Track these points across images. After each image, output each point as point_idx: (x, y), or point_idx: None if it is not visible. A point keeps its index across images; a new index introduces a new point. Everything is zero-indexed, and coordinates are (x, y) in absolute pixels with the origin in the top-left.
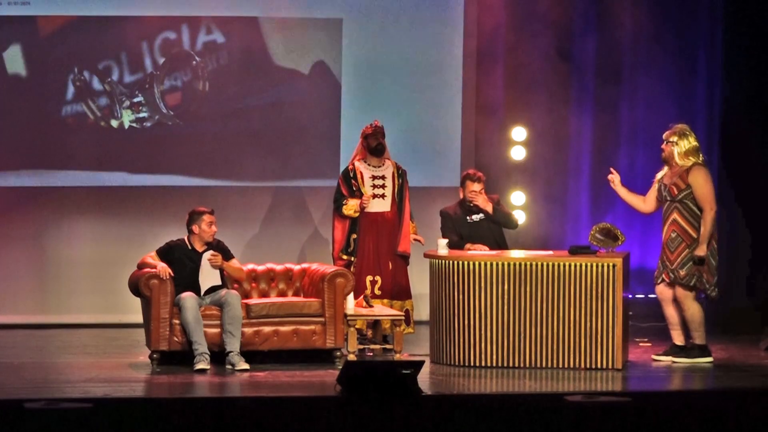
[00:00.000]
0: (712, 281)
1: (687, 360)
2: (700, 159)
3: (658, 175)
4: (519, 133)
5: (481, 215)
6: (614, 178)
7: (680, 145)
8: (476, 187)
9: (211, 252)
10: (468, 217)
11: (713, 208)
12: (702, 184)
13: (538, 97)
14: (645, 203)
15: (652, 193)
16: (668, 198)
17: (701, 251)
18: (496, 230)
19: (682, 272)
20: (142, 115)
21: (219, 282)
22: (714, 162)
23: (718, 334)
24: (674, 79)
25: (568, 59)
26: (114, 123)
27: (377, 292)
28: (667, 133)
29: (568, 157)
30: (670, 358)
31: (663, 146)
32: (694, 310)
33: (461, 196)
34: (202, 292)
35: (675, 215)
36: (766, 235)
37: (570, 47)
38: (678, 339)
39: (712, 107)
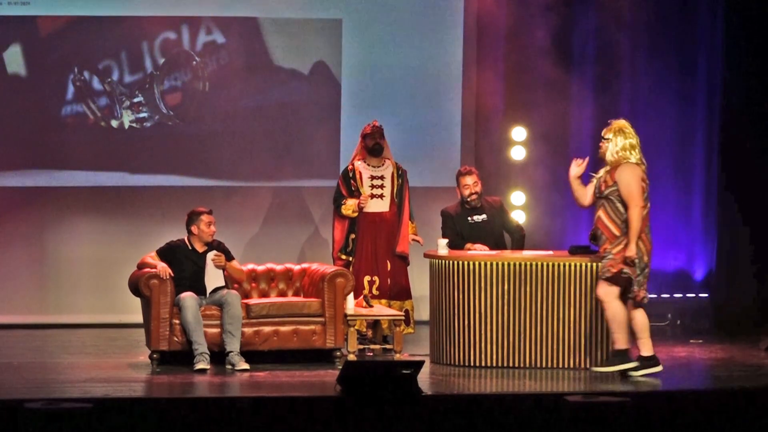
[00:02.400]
0: (639, 281)
1: (609, 368)
2: (634, 157)
3: (600, 172)
4: (519, 133)
5: (483, 216)
6: (578, 169)
7: (614, 142)
8: (469, 180)
9: (214, 252)
10: (469, 218)
11: (638, 205)
12: (628, 182)
13: (538, 97)
14: (586, 197)
15: (590, 187)
16: (597, 194)
17: (631, 251)
18: (496, 232)
19: (600, 264)
20: (142, 115)
21: (222, 283)
22: (714, 162)
23: (718, 334)
24: (674, 79)
25: (569, 59)
26: (114, 123)
27: (375, 292)
28: (604, 130)
29: (568, 157)
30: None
31: (600, 143)
32: (614, 309)
33: (458, 195)
34: (208, 294)
35: (600, 211)
36: (765, 235)
37: (570, 47)
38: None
39: (712, 108)
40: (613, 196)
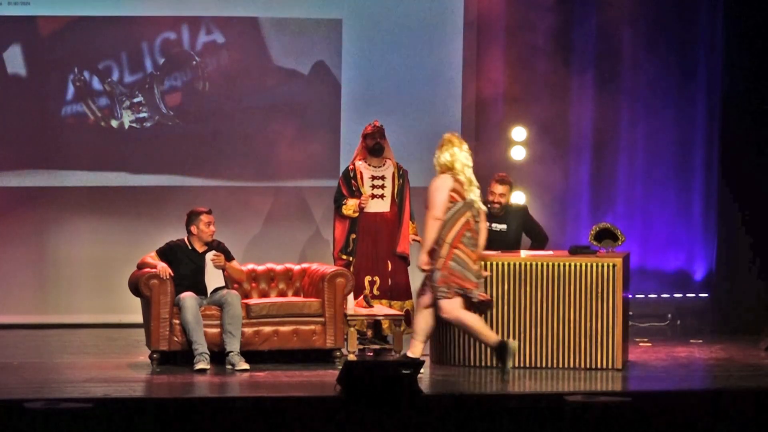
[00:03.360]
0: (470, 288)
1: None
2: (452, 168)
3: None
4: (519, 133)
5: (503, 226)
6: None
7: (436, 170)
8: (498, 188)
9: (213, 252)
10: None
11: (433, 216)
12: (431, 191)
13: (538, 97)
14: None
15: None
16: None
17: (421, 263)
18: (512, 241)
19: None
20: (142, 115)
21: (222, 283)
22: (714, 162)
23: (718, 334)
24: (674, 79)
25: (569, 59)
26: (114, 123)
27: (376, 292)
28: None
29: (568, 156)
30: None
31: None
32: (467, 319)
33: (487, 197)
34: (208, 293)
35: None
36: (765, 235)
37: (570, 47)
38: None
39: (712, 108)
40: None
